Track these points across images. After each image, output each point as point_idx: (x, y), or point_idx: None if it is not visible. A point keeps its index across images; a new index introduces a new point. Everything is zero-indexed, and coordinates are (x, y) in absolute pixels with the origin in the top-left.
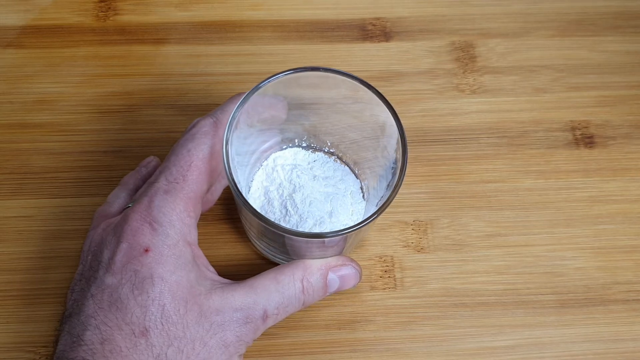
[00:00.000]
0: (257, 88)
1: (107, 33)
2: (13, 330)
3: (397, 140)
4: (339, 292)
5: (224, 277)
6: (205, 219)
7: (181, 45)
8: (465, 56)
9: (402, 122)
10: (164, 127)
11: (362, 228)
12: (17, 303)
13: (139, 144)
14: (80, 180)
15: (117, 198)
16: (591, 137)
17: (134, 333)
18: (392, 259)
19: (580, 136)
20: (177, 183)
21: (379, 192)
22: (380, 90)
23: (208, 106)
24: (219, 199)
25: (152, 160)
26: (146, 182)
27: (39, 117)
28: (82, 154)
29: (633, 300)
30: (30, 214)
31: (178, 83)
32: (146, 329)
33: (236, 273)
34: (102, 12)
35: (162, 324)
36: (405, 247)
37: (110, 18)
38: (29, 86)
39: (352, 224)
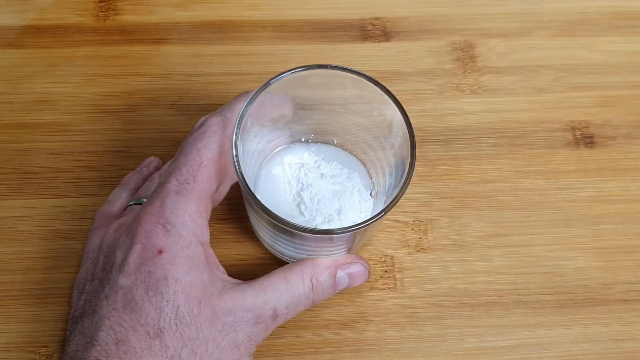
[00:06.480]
0: (266, 85)
1: (107, 33)
2: (13, 330)
3: (406, 138)
4: (340, 292)
5: (232, 277)
6: (210, 218)
7: (181, 45)
8: (465, 56)
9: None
10: (164, 127)
11: (370, 225)
12: (17, 303)
13: (139, 144)
14: (80, 180)
15: (119, 198)
16: (591, 137)
17: (148, 334)
18: (392, 258)
19: (580, 136)
20: (188, 184)
21: (387, 190)
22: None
23: (208, 106)
24: (223, 198)
25: (153, 160)
26: (148, 180)
27: (39, 117)
28: (82, 154)
29: (633, 300)
30: (30, 214)
31: (178, 83)
32: (161, 330)
33: (243, 272)
34: (102, 12)
35: (177, 325)
36: (405, 247)
37: (110, 18)
38: (29, 86)
39: (361, 221)
